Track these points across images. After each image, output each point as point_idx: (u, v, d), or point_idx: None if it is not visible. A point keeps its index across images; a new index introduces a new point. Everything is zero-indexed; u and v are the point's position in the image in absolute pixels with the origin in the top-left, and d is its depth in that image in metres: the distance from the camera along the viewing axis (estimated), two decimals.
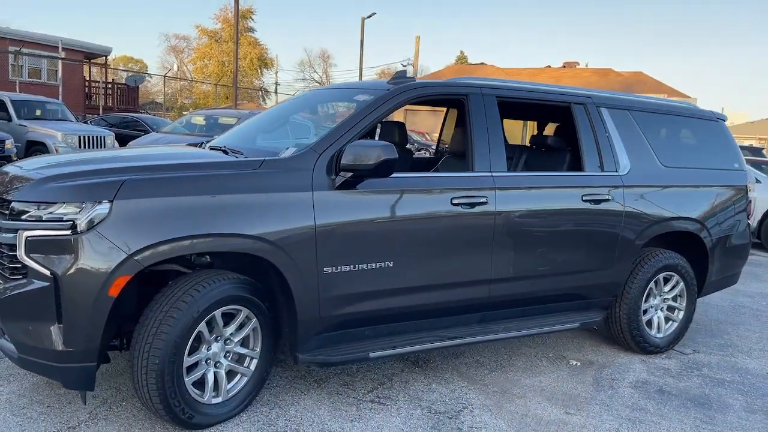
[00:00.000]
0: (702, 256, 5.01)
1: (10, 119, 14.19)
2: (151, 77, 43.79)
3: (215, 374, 3.28)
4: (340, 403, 3.66)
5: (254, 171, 3.30)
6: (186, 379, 3.10)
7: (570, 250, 4.27)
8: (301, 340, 3.46)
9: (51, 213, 2.90)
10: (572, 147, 4.65)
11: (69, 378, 2.97)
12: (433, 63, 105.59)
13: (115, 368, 3.88)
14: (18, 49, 24.01)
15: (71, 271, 2.84)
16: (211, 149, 4.09)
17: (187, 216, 3.02)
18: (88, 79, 30.13)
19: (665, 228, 4.69)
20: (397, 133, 5.02)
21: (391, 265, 3.59)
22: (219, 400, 3.28)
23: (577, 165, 4.48)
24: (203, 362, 3.22)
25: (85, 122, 18.30)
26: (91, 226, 2.86)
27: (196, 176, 3.16)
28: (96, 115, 20.69)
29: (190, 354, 3.11)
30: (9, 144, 12.45)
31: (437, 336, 3.88)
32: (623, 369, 4.52)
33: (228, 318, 3.28)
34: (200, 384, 3.24)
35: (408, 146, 5.60)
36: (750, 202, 5.29)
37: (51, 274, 2.84)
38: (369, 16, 36.66)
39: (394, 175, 3.53)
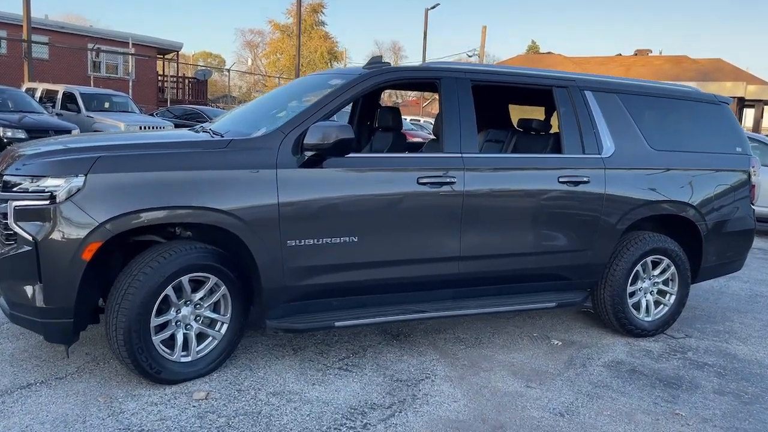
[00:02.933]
0: (697, 241, 4.96)
1: (79, 111, 15.20)
2: (224, 71, 45.28)
3: (185, 335, 3.60)
4: (308, 368, 3.92)
5: (221, 150, 3.59)
6: (154, 338, 3.43)
7: (545, 230, 4.36)
8: (268, 307, 3.74)
9: (36, 185, 3.28)
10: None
11: (50, 332, 3.36)
12: (504, 53, 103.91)
13: None
14: (94, 45, 25.46)
15: (50, 236, 3.21)
16: (203, 132, 4.42)
17: (154, 190, 3.34)
18: (161, 73, 31.56)
19: (652, 211, 4.69)
20: (392, 117, 5.21)
21: (356, 240, 3.81)
22: (188, 359, 3.60)
23: (560, 147, 4.54)
24: (173, 323, 3.54)
25: (152, 114, 19.29)
26: (68, 196, 3.22)
27: (164, 154, 3.48)
28: (164, 108, 21.73)
29: (158, 315, 3.44)
30: (75, 133, 13.36)
31: (405, 309, 4.07)
32: (603, 350, 4.57)
33: (198, 284, 3.59)
34: (172, 344, 3.56)
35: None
36: (753, 186, 5.18)
37: (32, 239, 3.22)
38: (432, 7, 36.66)
39: (354, 154, 3.76)
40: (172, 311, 3.53)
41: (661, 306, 4.93)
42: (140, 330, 3.34)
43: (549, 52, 40.82)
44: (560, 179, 4.34)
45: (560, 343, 4.65)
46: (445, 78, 4.17)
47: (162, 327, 3.52)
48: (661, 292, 4.93)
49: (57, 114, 14.91)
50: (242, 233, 3.53)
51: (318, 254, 3.73)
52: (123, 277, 3.37)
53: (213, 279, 3.59)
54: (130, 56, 25.60)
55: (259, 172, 3.56)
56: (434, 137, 4.93)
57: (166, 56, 31.66)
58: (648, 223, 4.85)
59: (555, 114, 5.25)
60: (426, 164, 4.01)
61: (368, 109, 5.71)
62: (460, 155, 4.08)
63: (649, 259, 4.77)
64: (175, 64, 32.85)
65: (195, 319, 3.63)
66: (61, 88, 15.91)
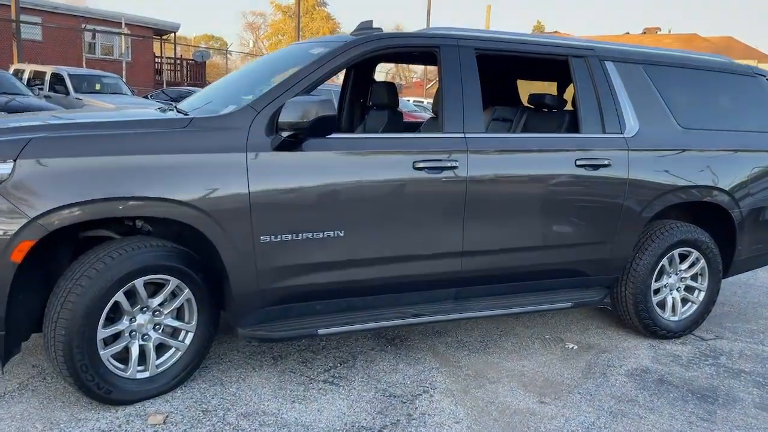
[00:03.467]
0: (730, 231, 4.41)
1: (67, 93, 14.63)
2: (226, 54, 44.53)
3: (142, 347, 3.08)
4: (289, 382, 3.41)
5: (180, 130, 3.04)
6: (102, 352, 2.91)
7: (560, 221, 3.82)
8: (239, 313, 3.22)
9: None
10: (574, 107, 4.16)
11: None
12: None
13: None
14: (84, 26, 24.79)
15: None
16: (170, 111, 3.87)
17: (97, 178, 2.81)
18: (159, 55, 30.90)
19: (680, 198, 4.13)
20: (386, 93, 4.64)
21: (342, 234, 3.28)
22: (146, 374, 3.09)
23: (576, 126, 3.99)
24: (126, 334, 3.02)
25: (146, 96, 18.72)
26: None
27: (110, 135, 2.94)
28: (159, 90, 21.15)
29: (108, 325, 2.93)
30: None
31: (401, 313, 3.55)
32: (625, 355, 4.05)
33: (159, 288, 3.07)
34: (128, 357, 3.05)
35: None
36: None
37: None
38: None
39: (338, 135, 3.23)
40: (125, 320, 3.01)
41: (689, 304, 4.40)
42: (84, 344, 2.82)
43: (555, 31, 39.96)
44: (577, 162, 3.79)
45: (576, 347, 4.13)
46: (446, 46, 3.60)
47: (114, 338, 3.01)
48: (689, 289, 4.38)
49: (45, 96, 14.35)
50: (206, 228, 3.00)
51: (297, 251, 3.21)
52: (62, 282, 2.85)
53: (174, 281, 3.06)
54: (123, 37, 24.93)
55: (226, 156, 3.03)
56: (434, 116, 4.38)
57: (163, 37, 30.97)
58: (674, 211, 4.30)
59: (571, 89, 4.71)
60: (423, 146, 3.46)
61: (361, 86, 5.14)
62: (462, 135, 3.53)
63: (676, 251, 4.22)
64: (174, 45, 32.22)
65: (154, 328, 3.11)
66: (49, 70, 15.33)
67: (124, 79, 18.44)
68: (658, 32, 38.07)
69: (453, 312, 3.64)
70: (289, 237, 3.17)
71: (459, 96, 3.56)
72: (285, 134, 3.06)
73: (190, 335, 3.19)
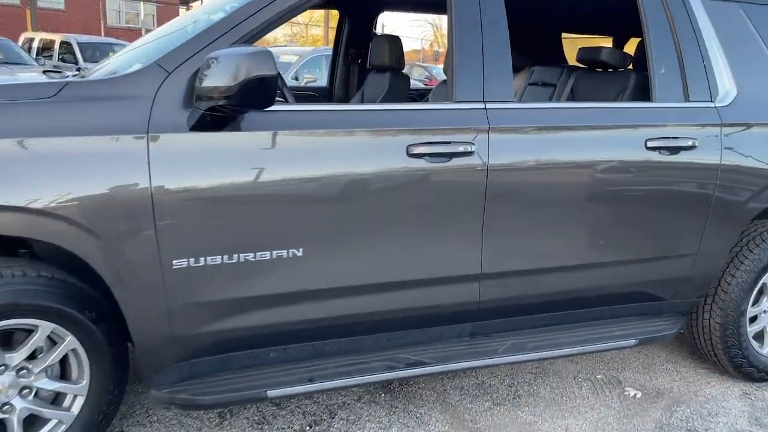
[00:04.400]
0: None
1: (76, 62, 13.80)
2: None
3: (2, 422, 2.10)
4: None
5: (44, 102, 2.00)
6: None
7: (622, 227, 2.69)
8: (147, 369, 2.21)
9: None
10: (643, 65, 2.99)
11: None
12: None
13: None
14: None
15: None
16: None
17: None
18: None
19: None
20: (387, 49, 3.52)
21: (300, 254, 2.23)
22: None
23: (647, 92, 2.83)
24: None
25: None
26: None
27: None
28: None
29: None
30: None
31: (392, 360, 2.50)
32: (710, 409, 2.93)
33: (28, 335, 2.08)
34: None
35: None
36: None
37: None
38: None
39: (287, 107, 2.16)
40: None
41: None
42: None
43: None
44: (648, 144, 2.64)
45: (639, 395, 3.03)
46: None
47: None
48: None
49: (54, 66, 13.54)
50: (81, 248, 1.99)
51: (232, 280, 2.17)
52: None
53: (45, 327, 2.06)
54: (144, 4, 24.10)
55: (113, 140, 1.99)
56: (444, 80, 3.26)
57: (190, 4, 30.03)
58: None
59: (631, 46, 3.51)
60: (422, 122, 2.36)
61: (358, 42, 4.03)
62: (482, 106, 2.42)
63: None
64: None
65: (21, 394, 2.13)
66: (58, 38, 14.50)
67: None
68: None
69: (468, 358, 2.57)
70: (219, 259, 2.14)
71: (477, 48, 2.43)
72: (205, 105, 1.99)
73: (80, 400, 2.20)
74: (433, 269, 2.43)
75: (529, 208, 2.52)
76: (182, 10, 29.39)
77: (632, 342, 2.81)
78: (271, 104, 2.02)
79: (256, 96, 1.96)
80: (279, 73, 2.27)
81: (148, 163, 2.01)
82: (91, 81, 2.15)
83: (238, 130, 2.08)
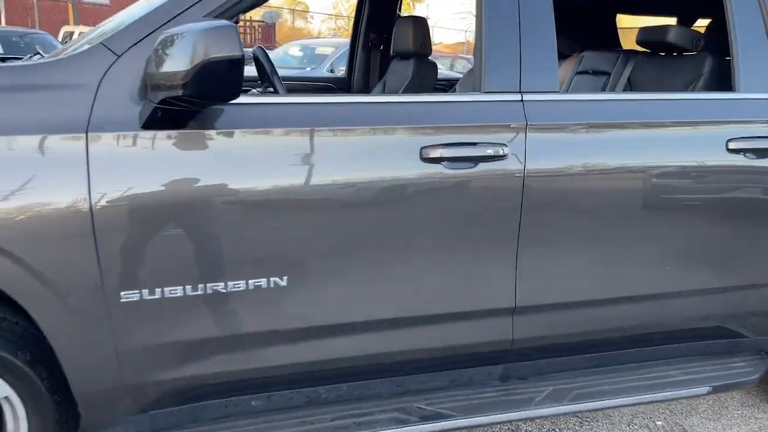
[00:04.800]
0: None
1: None
2: (310, 16, 43.25)
3: None
4: None
5: None
6: None
7: (696, 249, 2.16)
8: (94, 425, 1.79)
9: None
10: (721, 47, 2.44)
11: None
12: None
13: None
14: None
15: None
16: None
17: None
18: None
19: None
20: (411, 33, 3.03)
21: (284, 284, 1.77)
22: None
23: (726, 80, 2.29)
24: None
25: None
26: None
27: None
28: None
29: None
30: None
31: (403, 410, 2.03)
32: None
33: None
34: None
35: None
36: None
37: None
38: None
39: (259, 99, 1.71)
40: None
41: None
42: None
43: None
44: (730, 145, 2.10)
45: None
46: None
47: None
48: None
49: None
50: (3, 277, 1.57)
51: (200, 316, 1.74)
52: None
53: None
54: None
55: (44, 142, 1.57)
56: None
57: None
58: None
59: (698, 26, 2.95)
60: (441, 117, 1.87)
61: (380, 25, 3.55)
62: (518, 97, 1.92)
63: None
64: None
65: None
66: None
67: None
68: None
69: (498, 408, 2.08)
70: (180, 290, 1.70)
71: (514, 24, 1.93)
72: (159, 96, 1.55)
73: None
74: (454, 302, 1.95)
75: (577, 226, 2.01)
76: None
77: (704, 390, 2.27)
78: (237, 95, 1.56)
79: (216, 85, 1.50)
80: (266, 57, 1.83)
81: (87, 170, 1.58)
82: (21, 66, 1.73)
83: (199, 128, 1.64)
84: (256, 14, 33.81)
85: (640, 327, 2.22)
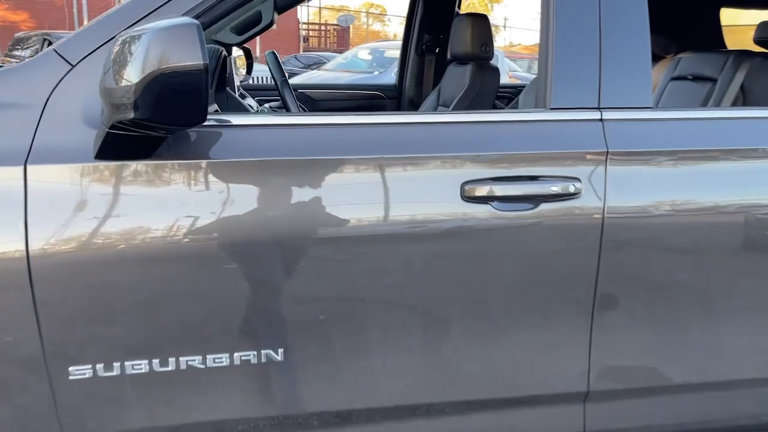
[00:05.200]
0: None
1: None
2: (386, 20, 43.25)
3: None
4: None
5: None
6: None
7: None
8: None
9: None
10: None
11: None
12: None
13: None
14: None
15: None
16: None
17: None
18: (306, 21, 30.28)
19: None
20: (470, 35, 2.57)
21: (279, 358, 1.37)
22: None
23: None
24: None
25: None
26: None
27: None
28: (291, 55, 20.07)
29: None
30: None
31: None
32: None
33: None
34: None
35: None
36: None
37: None
38: None
39: (239, 120, 1.31)
40: None
41: None
42: None
43: None
44: None
45: None
46: None
47: None
48: None
49: None
50: None
51: (172, 397, 1.36)
52: None
53: None
54: None
55: None
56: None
57: (308, 3, 30.23)
58: None
59: None
60: (489, 143, 1.42)
61: (438, 29, 3.10)
62: (597, 115, 1.44)
63: None
64: (319, 11, 31.51)
65: None
66: None
67: (257, 48, 17.51)
68: None
69: None
70: (145, 365, 1.32)
71: (592, 22, 1.46)
72: (114, 119, 1.17)
73: None
74: (501, 386, 1.49)
75: (675, 286, 1.51)
76: (304, 10, 29.62)
77: None
78: (202, 118, 1.15)
79: (174, 105, 1.11)
80: (276, 65, 1.44)
81: (25, 211, 1.23)
82: None
83: (161, 158, 1.25)
84: (331, 18, 34.01)
85: (762, 416, 1.69)
